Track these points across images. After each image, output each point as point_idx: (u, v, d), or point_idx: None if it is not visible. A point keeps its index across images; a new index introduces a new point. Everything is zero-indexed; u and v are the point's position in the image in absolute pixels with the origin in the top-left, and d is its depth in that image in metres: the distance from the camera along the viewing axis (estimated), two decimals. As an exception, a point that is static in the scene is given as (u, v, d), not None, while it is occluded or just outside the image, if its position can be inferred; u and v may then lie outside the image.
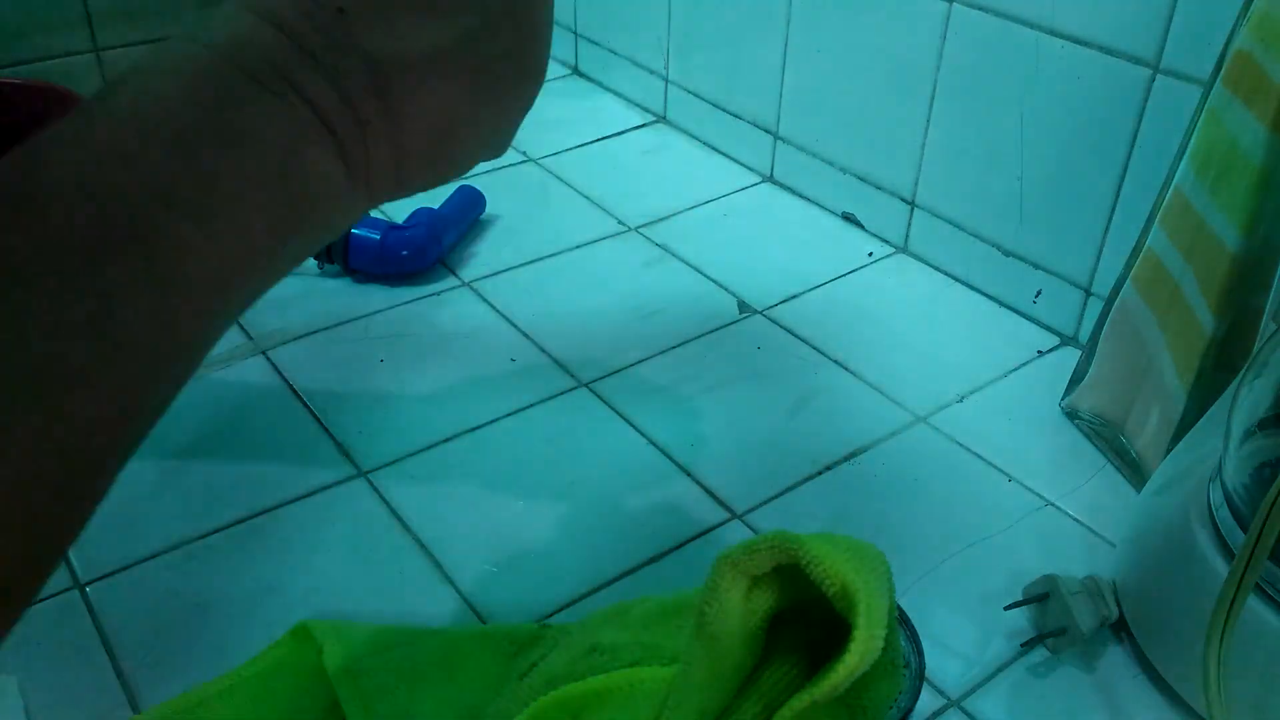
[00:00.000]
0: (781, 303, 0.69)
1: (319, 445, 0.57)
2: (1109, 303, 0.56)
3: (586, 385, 0.61)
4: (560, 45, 1.00)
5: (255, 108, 0.28)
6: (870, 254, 0.74)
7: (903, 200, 0.73)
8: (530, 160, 0.85)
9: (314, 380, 0.61)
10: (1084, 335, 0.65)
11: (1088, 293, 0.64)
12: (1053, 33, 0.60)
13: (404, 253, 0.69)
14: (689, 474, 0.56)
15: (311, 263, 0.69)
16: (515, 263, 0.72)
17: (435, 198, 0.76)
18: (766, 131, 0.82)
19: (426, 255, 0.70)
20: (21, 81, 1.53)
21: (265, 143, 0.28)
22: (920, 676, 0.39)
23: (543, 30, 0.37)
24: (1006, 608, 0.47)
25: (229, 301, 0.27)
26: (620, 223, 0.77)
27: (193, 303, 0.26)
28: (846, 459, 0.57)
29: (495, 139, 0.37)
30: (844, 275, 0.72)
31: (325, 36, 0.29)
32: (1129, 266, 0.54)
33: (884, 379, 0.62)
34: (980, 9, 0.63)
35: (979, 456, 0.57)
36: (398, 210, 0.75)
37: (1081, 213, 0.62)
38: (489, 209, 0.77)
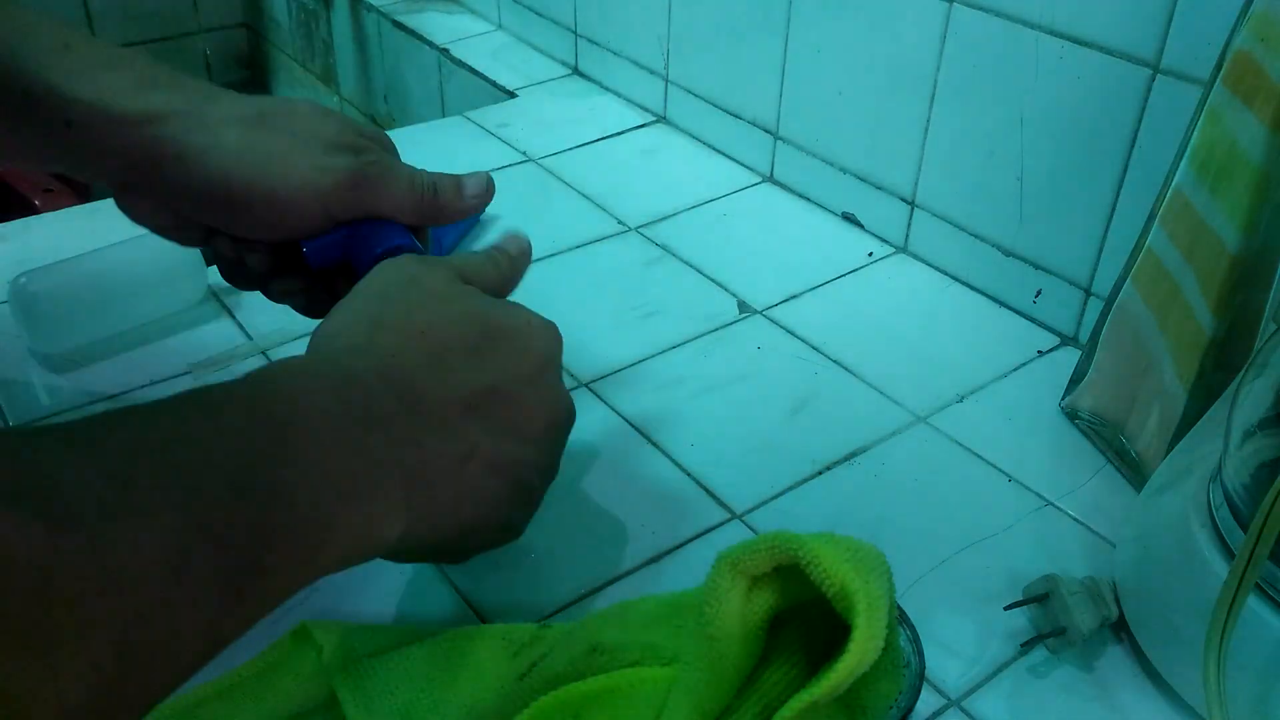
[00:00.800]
0: (781, 303, 0.69)
1: (319, 445, 0.56)
2: (1109, 303, 0.56)
3: (586, 385, 0.61)
4: (560, 45, 1.00)
5: (370, 438, 0.35)
6: (870, 254, 0.74)
7: (903, 200, 0.73)
8: (530, 160, 0.85)
9: (314, 380, 0.61)
10: (1084, 335, 0.65)
11: (1088, 293, 0.64)
12: (1053, 33, 0.60)
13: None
14: (689, 474, 0.55)
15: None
16: (515, 263, 0.72)
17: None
18: (766, 131, 0.82)
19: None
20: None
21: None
22: (920, 676, 0.39)
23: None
24: (1006, 608, 0.47)
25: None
26: (620, 223, 0.77)
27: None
28: (846, 459, 0.57)
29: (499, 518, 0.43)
30: (844, 275, 0.72)
31: (444, 415, 0.39)
32: (1129, 266, 0.54)
33: (884, 379, 0.62)
34: (980, 9, 0.63)
35: (979, 456, 0.57)
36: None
37: (1081, 213, 0.62)
38: (489, 209, 0.77)
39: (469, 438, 0.39)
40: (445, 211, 0.52)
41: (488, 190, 0.53)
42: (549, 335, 0.44)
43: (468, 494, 0.39)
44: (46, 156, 0.48)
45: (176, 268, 0.64)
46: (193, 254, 0.63)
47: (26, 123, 0.45)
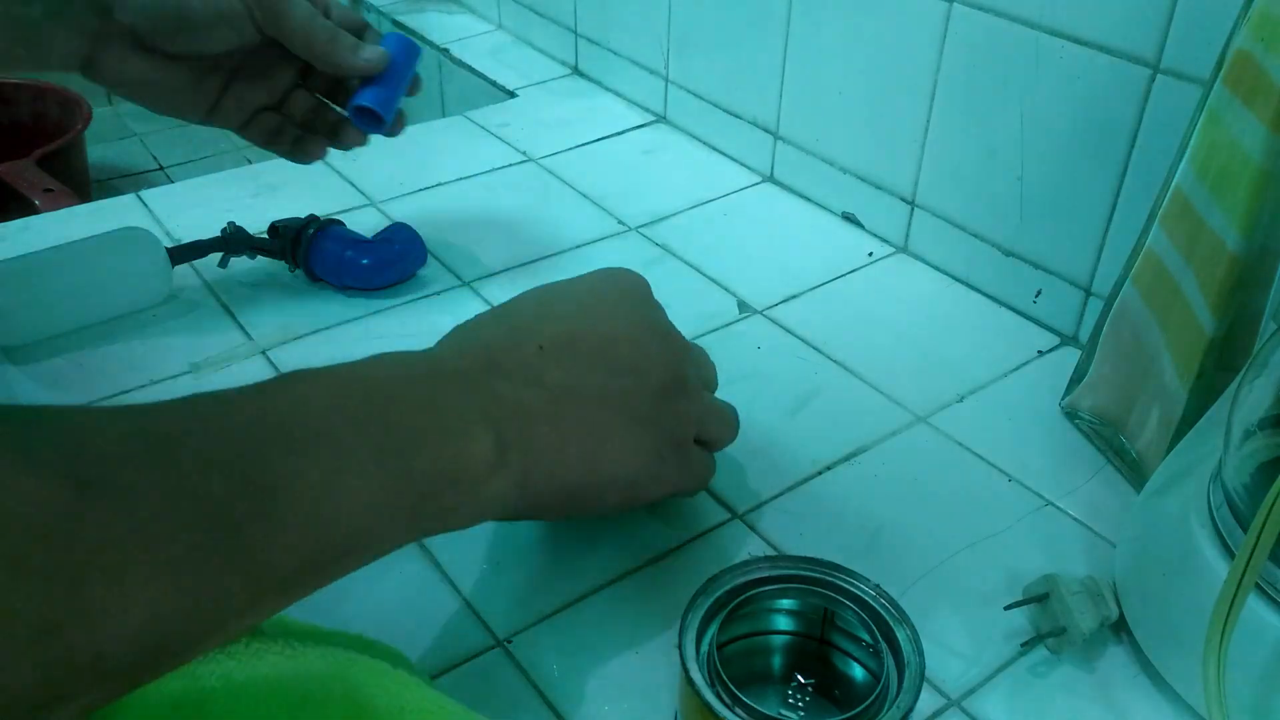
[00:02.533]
0: (781, 303, 0.69)
1: (319, 445, 0.56)
2: (1109, 303, 0.56)
3: (586, 385, 0.61)
4: (560, 45, 1.00)
5: (446, 387, 0.38)
6: (870, 254, 0.74)
7: (903, 200, 0.73)
8: (530, 160, 0.85)
9: (314, 380, 0.61)
10: (1084, 335, 0.65)
11: (1088, 293, 0.64)
12: (1053, 33, 0.60)
13: (364, 261, 0.67)
14: (689, 474, 0.55)
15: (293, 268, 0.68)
16: (515, 262, 0.72)
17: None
18: (766, 131, 0.82)
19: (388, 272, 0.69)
20: (21, 81, 1.53)
21: (441, 410, 0.37)
22: (920, 676, 0.39)
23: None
24: (1006, 608, 0.47)
25: (335, 556, 0.32)
26: (620, 223, 0.77)
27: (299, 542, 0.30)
28: (846, 459, 0.57)
29: (630, 490, 0.45)
30: (844, 275, 0.72)
31: (522, 364, 0.40)
32: (1129, 266, 0.54)
33: (884, 379, 0.62)
34: (980, 9, 0.63)
35: (979, 456, 0.57)
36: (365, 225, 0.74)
37: (1081, 213, 0.62)
38: (490, 209, 0.77)
39: (559, 372, 0.40)
40: (338, 66, 0.59)
41: (380, 61, 0.60)
42: (674, 350, 0.47)
43: (572, 430, 0.40)
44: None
45: (140, 264, 0.65)
46: (158, 251, 0.65)
47: None
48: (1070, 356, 0.62)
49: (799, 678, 0.44)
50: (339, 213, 0.74)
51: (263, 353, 0.63)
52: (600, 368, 0.41)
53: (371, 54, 0.59)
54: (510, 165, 0.84)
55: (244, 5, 0.55)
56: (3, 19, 0.52)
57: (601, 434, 0.41)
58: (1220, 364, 0.50)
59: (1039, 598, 0.46)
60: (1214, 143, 0.48)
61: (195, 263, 0.68)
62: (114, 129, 1.56)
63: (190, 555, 0.26)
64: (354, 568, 0.33)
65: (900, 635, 0.40)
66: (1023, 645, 0.46)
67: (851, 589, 0.41)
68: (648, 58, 0.90)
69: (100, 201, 0.78)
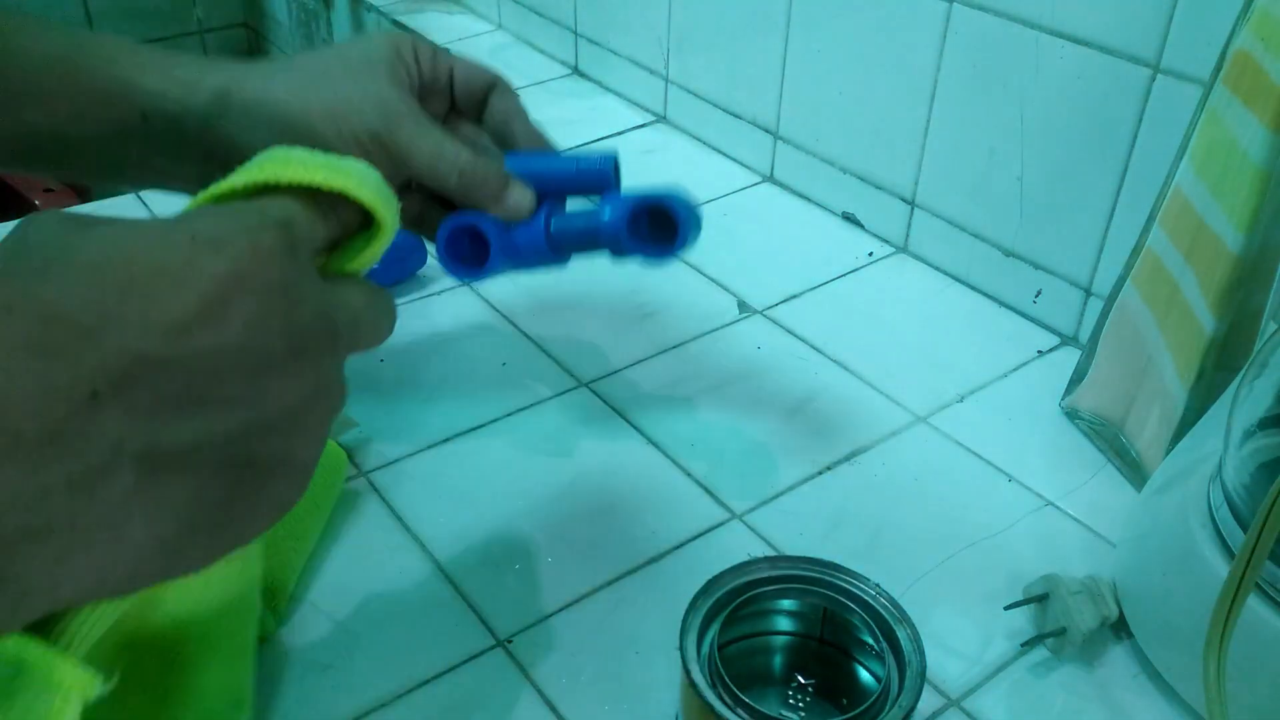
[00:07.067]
0: (781, 303, 0.69)
1: (319, 445, 0.56)
2: (1109, 303, 0.56)
3: (586, 385, 0.61)
4: (560, 45, 1.00)
5: None
6: (870, 254, 0.74)
7: (903, 200, 0.73)
8: (530, 160, 0.85)
9: (314, 380, 0.61)
10: (1084, 335, 0.65)
11: (1088, 293, 0.64)
12: (1053, 33, 0.60)
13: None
14: (689, 474, 0.56)
15: None
16: (515, 263, 0.72)
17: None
18: (766, 131, 0.82)
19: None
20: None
21: None
22: (921, 676, 0.39)
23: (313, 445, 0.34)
24: (1006, 608, 0.47)
25: None
26: (620, 223, 0.77)
27: None
28: (846, 459, 0.57)
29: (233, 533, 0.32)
30: (844, 275, 0.72)
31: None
32: (1129, 266, 0.55)
33: (884, 379, 0.62)
34: (980, 9, 0.63)
35: (979, 456, 0.57)
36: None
37: (1081, 213, 0.62)
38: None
39: (100, 444, 0.25)
40: (479, 205, 0.48)
41: (522, 209, 0.48)
42: (229, 252, 0.29)
43: (134, 522, 0.26)
44: (124, 160, 0.48)
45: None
46: None
47: (103, 122, 0.46)
48: (1070, 356, 0.62)
49: (799, 678, 0.44)
50: (339, 213, 0.74)
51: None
52: (174, 410, 0.27)
53: (518, 199, 0.48)
54: (510, 165, 0.84)
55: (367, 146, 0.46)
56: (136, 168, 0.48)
57: (195, 505, 0.29)
58: (1220, 364, 0.50)
59: (1039, 598, 0.47)
60: (1214, 143, 0.48)
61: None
62: (114, 129, 1.56)
63: None
64: None
65: (901, 635, 0.40)
66: (1023, 645, 0.46)
67: (852, 589, 0.41)
68: (648, 58, 0.90)
69: (100, 201, 0.78)
